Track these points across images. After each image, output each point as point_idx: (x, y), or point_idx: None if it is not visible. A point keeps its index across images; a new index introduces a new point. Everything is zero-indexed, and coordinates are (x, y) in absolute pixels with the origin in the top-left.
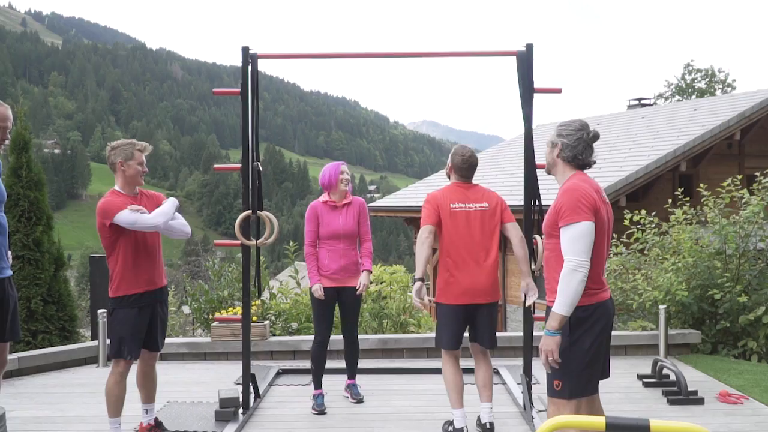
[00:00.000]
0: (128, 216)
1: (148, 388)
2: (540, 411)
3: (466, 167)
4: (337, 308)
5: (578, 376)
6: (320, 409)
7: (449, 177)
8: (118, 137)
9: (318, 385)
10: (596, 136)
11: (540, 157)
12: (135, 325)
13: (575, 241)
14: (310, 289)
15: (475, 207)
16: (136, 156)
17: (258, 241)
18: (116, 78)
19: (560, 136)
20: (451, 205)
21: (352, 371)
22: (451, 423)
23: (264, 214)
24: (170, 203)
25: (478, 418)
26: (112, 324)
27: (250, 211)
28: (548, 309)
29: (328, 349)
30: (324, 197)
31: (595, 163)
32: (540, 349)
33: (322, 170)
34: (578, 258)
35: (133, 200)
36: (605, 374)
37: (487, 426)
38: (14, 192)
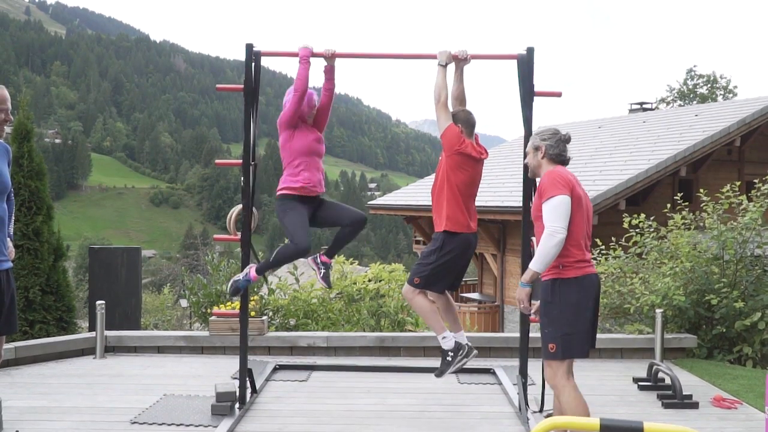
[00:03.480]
0: None
1: None
2: (535, 412)
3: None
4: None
5: (571, 338)
6: (325, 281)
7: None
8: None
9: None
10: (569, 139)
11: None
12: None
13: (553, 210)
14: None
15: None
16: None
17: (239, 234)
18: (119, 69)
19: (543, 140)
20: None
21: (333, 251)
22: (449, 350)
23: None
24: None
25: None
26: None
27: (240, 206)
28: (543, 282)
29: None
30: None
31: (570, 159)
32: (515, 298)
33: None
34: (555, 224)
35: None
36: (593, 343)
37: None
38: (15, 181)
